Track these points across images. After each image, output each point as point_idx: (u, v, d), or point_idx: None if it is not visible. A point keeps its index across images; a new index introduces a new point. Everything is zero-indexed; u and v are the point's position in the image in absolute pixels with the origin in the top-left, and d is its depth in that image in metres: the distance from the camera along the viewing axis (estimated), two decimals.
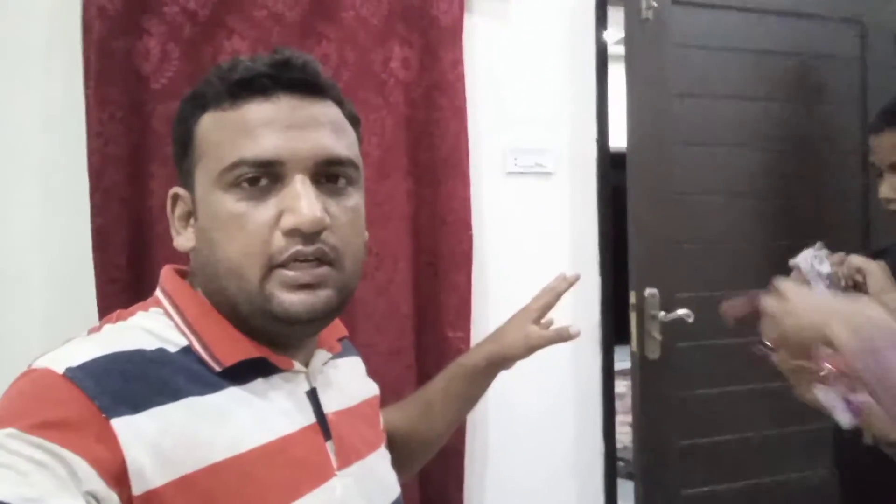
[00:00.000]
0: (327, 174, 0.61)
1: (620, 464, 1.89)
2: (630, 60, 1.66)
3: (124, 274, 1.37)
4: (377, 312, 1.54)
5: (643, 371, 1.66)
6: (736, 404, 1.72)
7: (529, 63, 1.75)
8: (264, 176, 0.58)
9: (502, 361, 0.90)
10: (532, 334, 0.90)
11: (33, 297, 1.39)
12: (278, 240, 0.58)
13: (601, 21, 1.82)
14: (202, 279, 0.64)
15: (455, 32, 1.57)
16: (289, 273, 0.58)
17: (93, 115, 1.35)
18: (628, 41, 1.66)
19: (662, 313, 1.65)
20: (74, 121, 1.36)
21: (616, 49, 1.79)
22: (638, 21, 1.66)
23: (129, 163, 1.38)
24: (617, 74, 1.77)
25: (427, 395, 0.94)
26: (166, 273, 0.67)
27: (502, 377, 1.68)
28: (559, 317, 1.74)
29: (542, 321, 0.91)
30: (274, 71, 0.60)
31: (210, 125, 0.61)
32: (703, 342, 1.69)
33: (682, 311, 1.64)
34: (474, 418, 1.66)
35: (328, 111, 0.63)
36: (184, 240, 0.64)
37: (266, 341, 0.63)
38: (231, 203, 0.58)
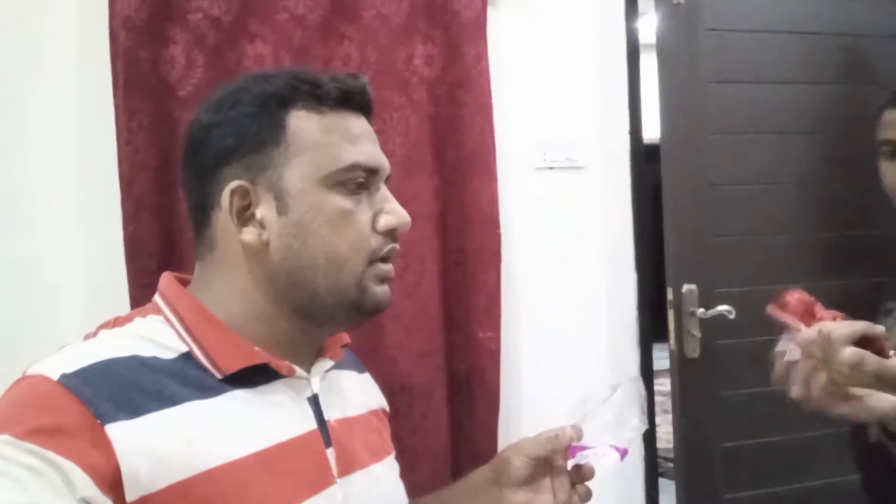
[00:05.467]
0: None
1: (669, 465, 1.83)
2: (662, 48, 1.61)
3: (156, 281, 1.39)
4: (406, 314, 1.52)
5: (682, 370, 1.60)
6: (782, 404, 1.60)
7: (557, 54, 1.71)
8: (366, 181, 0.65)
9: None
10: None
11: (71, 305, 1.42)
12: (377, 238, 0.65)
13: (632, 8, 1.76)
14: (273, 273, 0.63)
15: (478, 27, 1.54)
16: (384, 267, 0.66)
17: (122, 124, 1.37)
18: (660, 28, 1.61)
19: (702, 310, 1.58)
20: (105, 130, 1.39)
21: (647, 37, 1.73)
22: (670, 6, 1.60)
23: (158, 170, 1.40)
24: (649, 63, 1.71)
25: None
26: (166, 280, 0.67)
27: (537, 377, 1.67)
28: (595, 316, 1.72)
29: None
30: (360, 92, 0.67)
31: (311, 125, 0.64)
32: (745, 339, 1.61)
33: (722, 308, 1.58)
34: (508, 421, 1.63)
35: None
36: (255, 235, 0.63)
37: (268, 348, 0.63)
38: (340, 200, 0.63)
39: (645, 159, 1.81)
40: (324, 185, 0.63)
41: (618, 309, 1.73)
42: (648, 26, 1.73)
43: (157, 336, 0.60)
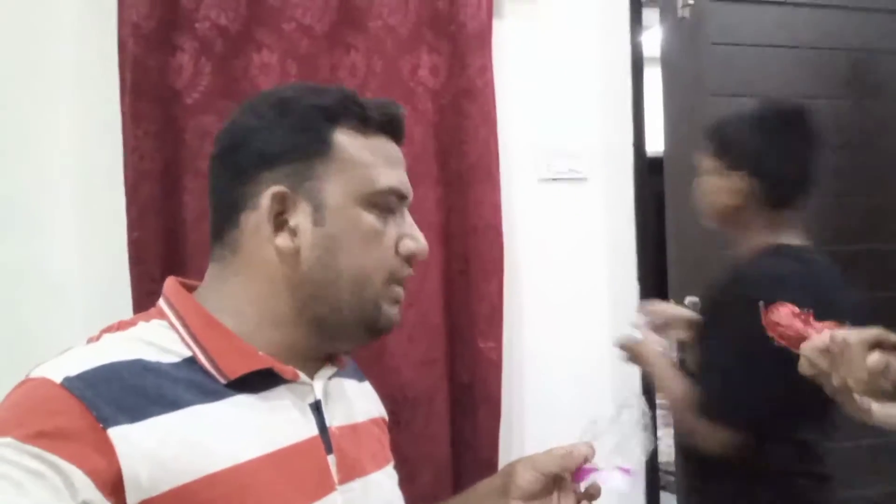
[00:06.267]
0: None
1: (670, 478, 1.82)
2: (666, 61, 1.62)
3: (160, 286, 1.39)
4: (408, 322, 1.52)
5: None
6: None
7: (562, 66, 1.71)
8: (395, 205, 0.68)
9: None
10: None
11: (75, 309, 1.43)
12: (396, 260, 0.68)
13: (636, 21, 1.77)
14: (298, 281, 0.64)
15: (483, 38, 1.55)
16: (398, 289, 0.69)
17: (128, 131, 1.38)
18: (665, 41, 1.62)
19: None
20: (112, 136, 1.40)
21: (651, 50, 1.74)
22: (674, 20, 1.62)
23: (164, 177, 1.41)
24: (653, 76, 1.72)
25: None
26: (170, 285, 0.67)
27: (539, 386, 1.66)
28: (597, 326, 1.72)
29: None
30: (398, 119, 0.70)
31: (356, 144, 0.66)
32: None
33: None
34: (510, 432, 1.63)
35: None
36: (288, 240, 0.64)
37: (274, 353, 0.63)
38: (372, 220, 0.66)
39: (648, 171, 1.81)
40: (360, 204, 0.65)
41: (620, 320, 1.73)
42: (653, 40, 1.74)
43: (160, 340, 0.60)
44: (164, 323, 0.63)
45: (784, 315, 0.77)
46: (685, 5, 1.60)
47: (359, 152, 0.66)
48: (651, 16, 1.72)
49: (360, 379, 0.82)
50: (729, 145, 1.18)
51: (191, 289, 0.68)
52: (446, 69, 1.55)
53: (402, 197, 0.69)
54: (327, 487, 0.63)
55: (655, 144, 1.71)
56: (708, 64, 1.63)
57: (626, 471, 0.67)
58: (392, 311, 0.68)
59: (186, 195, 1.42)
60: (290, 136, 0.65)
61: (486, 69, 1.55)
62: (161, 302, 0.66)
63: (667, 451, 2.05)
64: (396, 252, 0.68)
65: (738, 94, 1.65)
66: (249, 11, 1.44)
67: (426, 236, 1.50)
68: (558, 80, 1.71)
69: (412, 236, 0.70)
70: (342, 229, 0.64)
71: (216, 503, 0.54)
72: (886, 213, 1.73)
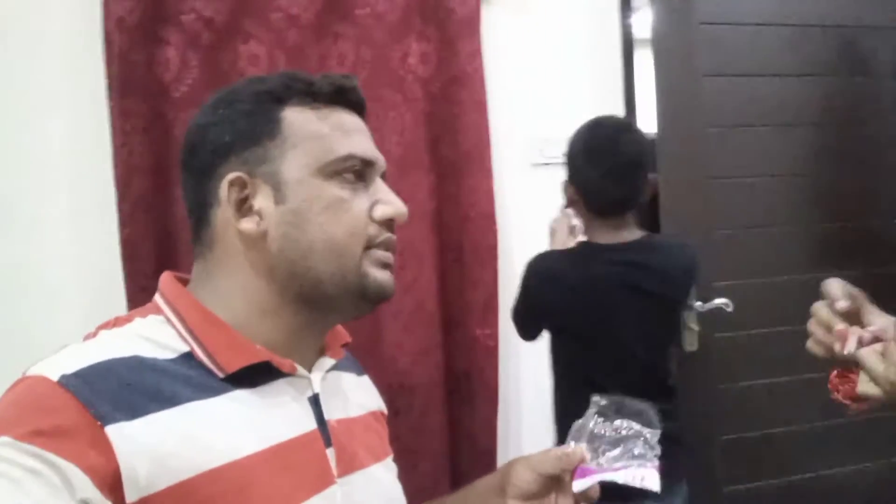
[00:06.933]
0: None
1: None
2: (657, 42, 1.61)
3: (153, 282, 1.39)
4: (404, 312, 1.53)
5: (681, 364, 1.60)
6: (781, 396, 1.65)
7: (552, 50, 1.70)
8: (361, 172, 0.66)
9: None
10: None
11: (68, 307, 1.42)
12: (373, 226, 0.65)
13: (626, 3, 1.76)
14: (271, 263, 0.64)
15: (472, 24, 1.54)
16: (382, 253, 0.66)
17: (117, 126, 1.37)
18: (654, 22, 1.61)
19: (699, 303, 1.58)
20: (100, 133, 1.39)
21: (642, 32, 1.73)
22: (664, 1, 1.60)
23: (154, 172, 1.40)
24: (644, 58, 1.71)
25: None
26: (166, 280, 0.67)
27: (536, 374, 1.67)
28: None
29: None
30: (351, 90, 0.69)
31: (306, 118, 0.66)
32: (743, 332, 1.62)
33: (719, 301, 1.58)
34: (507, 418, 1.63)
35: None
36: (253, 224, 0.64)
37: (271, 345, 0.63)
38: (336, 189, 0.64)
39: None
40: (320, 175, 0.64)
41: None
42: (643, 21, 1.73)
43: (157, 336, 0.60)
44: (161, 318, 0.62)
45: (833, 380, 0.75)
46: None
47: (310, 125, 0.65)
48: None
49: (359, 373, 0.82)
50: (566, 158, 1.33)
51: (186, 283, 0.68)
52: (436, 56, 1.54)
53: (367, 163, 0.67)
54: (327, 481, 0.63)
55: (648, 126, 1.70)
56: (698, 44, 1.62)
57: (653, 467, 0.66)
58: (381, 275, 0.66)
59: (178, 190, 1.40)
60: (239, 124, 0.65)
61: (476, 55, 1.54)
62: (157, 297, 0.65)
63: None
64: (372, 218, 0.66)
65: (728, 73, 1.64)
66: (236, 2, 1.43)
67: (420, 224, 1.53)
68: (549, 65, 1.70)
69: (385, 201, 0.67)
70: (304, 202, 0.64)
71: (216, 499, 0.54)
72: (876, 191, 1.73)
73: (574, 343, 1.32)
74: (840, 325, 0.71)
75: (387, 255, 0.67)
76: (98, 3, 1.36)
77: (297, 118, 0.65)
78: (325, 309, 0.67)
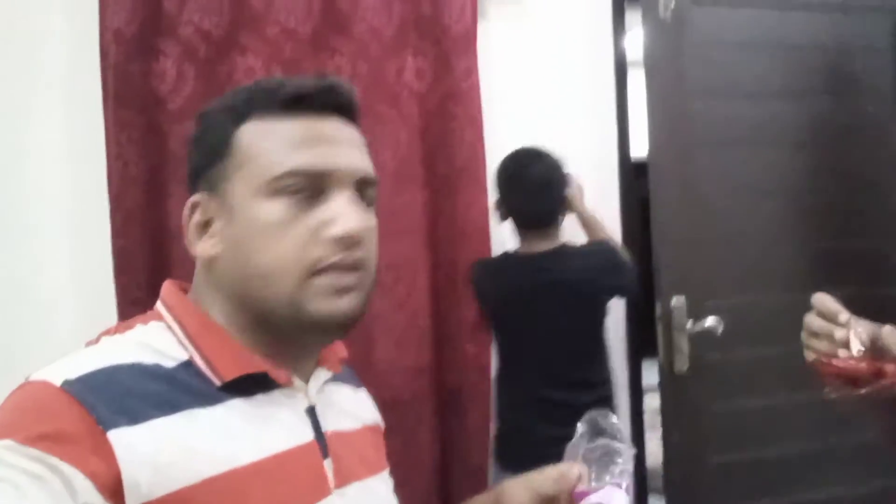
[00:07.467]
0: (360, 193, 0.64)
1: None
2: (649, 62, 1.62)
3: (145, 295, 1.38)
4: (397, 327, 1.52)
5: (671, 385, 1.60)
6: (773, 417, 1.64)
7: (547, 68, 1.73)
8: (309, 187, 0.61)
9: None
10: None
11: (62, 317, 1.42)
12: (320, 248, 0.60)
13: (619, 24, 1.79)
14: (226, 287, 0.63)
15: (468, 40, 1.55)
16: (328, 279, 0.60)
17: (112, 138, 1.37)
18: (647, 42, 1.62)
19: (690, 323, 1.59)
20: (95, 144, 1.39)
21: (635, 52, 1.75)
22: (656, 22, 1.62)
23: (148, 184, 1.40)
24: (637, 79, 1.73)
25: None
26: (167, 287, 0.67)
27: None
28: None
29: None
30: (323, 91, 0.64)
31: (256, 134, 0.62)
32: (735, 352, 1.62)
33: (710, 322, 1.58)
34: None
35: (359, 135, 0.68)
36: (208, 247, 0.63)
37: (268, 357, 0.63)
38: (275, 210, 0.60)
39: (633, 174, 1.83)
40: (261, 196, 0.60)
41: (608, 324, 1.73)
42: (636, 41, 1.75)
43: (158, 343, 0.60)
44: (163, 325, 0.62)
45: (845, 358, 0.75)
46: (667, 7, 1.61)
47: (255, 143, 0.62)
48: (634, 18, 1.73)
49: (357, 385, 0.81)
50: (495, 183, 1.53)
51: (188, 292, 0.68)
52: (431, 72, 1.55)
53: (318, 176, 0.61)
54: (323, 492, 0.62)
55: (640, 147, 1.72)
56: (689, 65, 1.64)
57: (624, 487, 0.67)
58: (326, 305, 0.60)
59: (171, 202, 1.41)
60: (204, 147, 0.64)
61: (472, 72, 1.55)
62: (159, 304, 0.65)
63: (655, 454, 2.06)
64: (322, 238, 0.60)
65: (719, 94, 1.66)
66: (233, 16, 1.44)
67: (413, 240, 1.53)
68: (543, 83, 1.72)
69: (333, 218, 0.60)
70: (245, 226, 0.61)
71: None
72: (866, 210, 1.75)
73: (502, 340, 1.53)
74: (840, 332, 0.73)
75: (340, 280, 0.60)
76: (95, 15, 1.36)
77: (251, 135, 0.62)
78: (284, 334, 0.63)
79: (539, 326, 1.45)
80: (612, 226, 1.74)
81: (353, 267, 0.61)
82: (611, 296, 1.54)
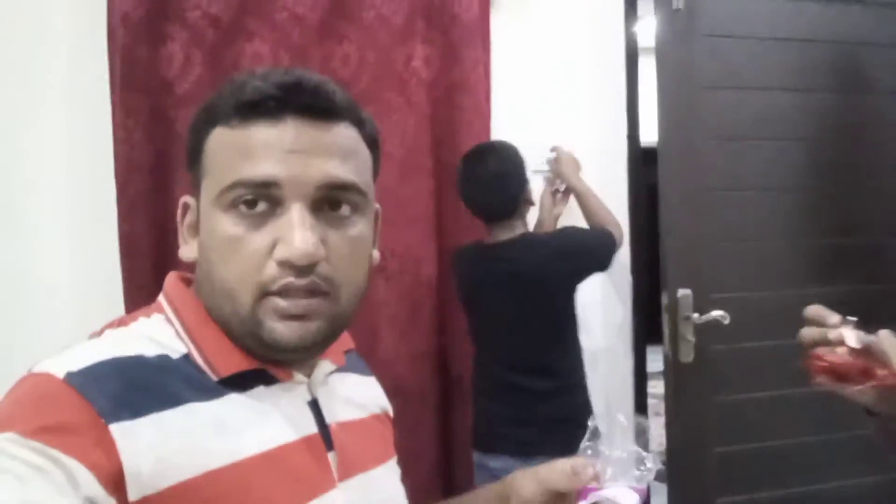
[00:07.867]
0: (330, 201, 0.59)
1: (661, 467, 1.84)
2: (660, 52, 1.61)
3: (151, 280, 1.39)
4: (401, 316, 1.53)
5: (676, 375, 1.60)
6: (775, 409, 1.65)
7: (556, 58, 1.71)
8: (262, 200, 0.57)
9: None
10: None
11: (66, 305, 1.42)
12: (272, 268, 0.56)
13: (631, 13, 1.76)
14: (204, 291, 0.63)
15: (477, 30, 1.54)
16: (280, 302, 0.57)
17: (118, 122, 1.37)
18: (659, 32, 1.60)
19: (696, 315, 1.59)
20: (101, 128, 1.38)
21: (646, 40, 1.73)
22: (669, 11, 1.60)
23: (154, 168, 1.40)
24: (647, 67, 1.71)
25: None
26: (170, 280, 0.66)
27: None
28: (591, 317, 1.72)
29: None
30: (282, 93, 0.58)
31: (217, 142, 0.60)
32: (739, 344, 1.62)
33: (716, 313, 1.58)
34: None
35: (340, 133, 0.61)
36: (189, 250, 0.63)
37: (264, 353, 0.63)
38: (228, 225, 0.57)
39: (642, 161, 1.82)
40: (217, 208, 0.58)
41: (613, 311, 1.74)
42: (647, 30, 1.73)
43: (160, 336, 0.60)
44: (164, 317, 0.62)
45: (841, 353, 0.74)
46: None
47: (219, 150, 0.59)
48: (645, 6, 1.71)
49: (366, 373, 0.81)
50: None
51: (192, 283, 0.68)
52: (440, 61, 1.54)
53: (260, 187, 0.56)
54: (327, 485, 0.62)
55: (649, 135, 1.71)
56: (700, 56, 1.62)
57: (638, 491, 0.67)
58: (281, 328, 0.57)
59: (177, 188, 1.41)
60: (187, 144, 0.63)
61: (480, 61, 1.54)
62: (161, 297, 0.65)
63: (657, 440, 2.07)
64: (274, 257, 0.56)
65: (730, 85, 1.65)
66: (241, 1, 1.42)
67: (420, 229, 1.53)
68: (552, 72, 1.70)
69: (284, 239, 0.56)
70: (207, 237, 0.59)
71: (216, 500, 0.54)
72: (874, 207, 1.74)
73: (472, 327, 1.54)
74: (833, 333, 0.74)
75: (288, 307, 0.56)
76: (104, 1, 1.36)
77: (217, 140, 0.60)
78: (250, 348, 0.60)
79: (498, 314, 1.47)
80: (619, 212, 1.74)
81: (309, 291, 0.57)
82: (572, 280, 1.49)
